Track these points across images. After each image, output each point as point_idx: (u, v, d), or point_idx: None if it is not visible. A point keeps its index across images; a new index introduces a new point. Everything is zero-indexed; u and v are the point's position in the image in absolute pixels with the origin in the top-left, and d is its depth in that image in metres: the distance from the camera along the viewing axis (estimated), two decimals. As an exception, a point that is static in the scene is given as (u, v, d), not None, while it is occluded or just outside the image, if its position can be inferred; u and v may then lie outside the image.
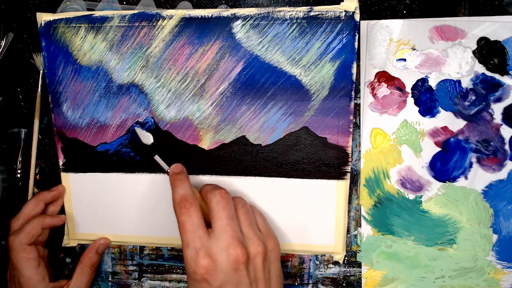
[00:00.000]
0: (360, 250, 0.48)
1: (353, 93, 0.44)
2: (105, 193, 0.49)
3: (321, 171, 0.46)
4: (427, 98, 0.46)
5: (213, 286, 0.36)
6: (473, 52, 0.44)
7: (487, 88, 0.45)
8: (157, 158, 0.45)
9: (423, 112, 0.46)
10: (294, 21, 0.43)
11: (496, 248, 0.46)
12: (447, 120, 0.45)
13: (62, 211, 0.51)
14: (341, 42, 0.43)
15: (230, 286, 0.36)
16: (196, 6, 0.48)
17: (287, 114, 0.45)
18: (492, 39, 0.44)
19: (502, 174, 0.45)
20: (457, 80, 0.45)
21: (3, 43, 0.50)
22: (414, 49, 0.45)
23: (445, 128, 0.46)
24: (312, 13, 0.43)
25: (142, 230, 0.50)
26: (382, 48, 0.46)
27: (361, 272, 0.48)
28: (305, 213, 0.47)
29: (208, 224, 0.38)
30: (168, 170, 0.43)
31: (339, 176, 0.46)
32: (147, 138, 0.47)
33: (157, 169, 0.48)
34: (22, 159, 0.51)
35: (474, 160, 0.45)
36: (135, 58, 0.46)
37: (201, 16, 0.44)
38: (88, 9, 0.48)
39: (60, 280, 0.47)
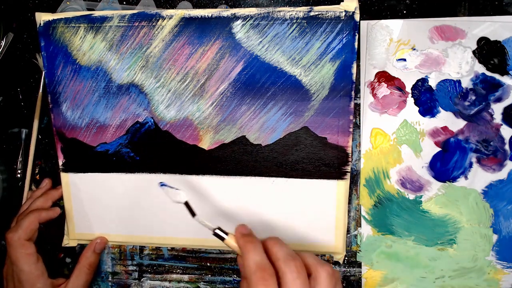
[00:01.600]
0: (360, 250, 0.48)
1: (353, 93, 0.44)
2: (105, 193, 0.49)
3: (321, 171, 0.46)
4: (427, 98, 0.46)
5: None
6: (473, 52, 0.44)
7: (487, 88, 0.45)
8: (198, 218, 0.40)
9: (423, 112, 0.46)
10: (294, 21, 0.43)
11: (496, 248, 0.46)
12: (447, 120, 0.45)
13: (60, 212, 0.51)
14: (341, 42, 0.43)
15: None
16: (196, 6, 0.48)
17: (287, 114, 0.45)
18: (492, 39, 0.44)
19: (502, 174, 0.45)
20: (457, 80, 0.45)
21: (3, 43, 0.50)
22: (414, 49, 0.45)
23: (445, 128, 0.46)
24: (312, 13, 0.43)
25: (142, 230, 0.50)
26: (382, 48, 0.46)
27: (361, 272, 0.48)
28: (305, 213, 0.47)
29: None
30: (217, 231, 0.39)
31: (339, 176, 0.46)
32: (177, 196, 0.41)
33: (157, 169, 0.48)
34: (23, 159, 0.51)
35: (474, 160, 0.45)
36: (135, 58, 0.46)
37: (201, 16, 0.44)
38: (88, 9, 0.48)
39: (58, 278, 0.48)
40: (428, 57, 0.45)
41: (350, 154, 0.45)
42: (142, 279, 0.52)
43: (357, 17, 0.42)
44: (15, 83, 0.51)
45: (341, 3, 0.42)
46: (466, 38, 0.44)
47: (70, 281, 0.47)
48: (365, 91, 0.47)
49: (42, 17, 0.46)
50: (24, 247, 0.44)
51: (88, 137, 0.48)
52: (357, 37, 0.43)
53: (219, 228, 0.39)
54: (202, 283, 0.51)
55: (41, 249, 0.51)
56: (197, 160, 0.47)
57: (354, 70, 0.43)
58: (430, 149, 0.46)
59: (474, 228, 0.46)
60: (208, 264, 0.51)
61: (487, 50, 0.44)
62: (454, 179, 0.46)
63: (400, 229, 0.47)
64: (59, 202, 0.51)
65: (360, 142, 0.47)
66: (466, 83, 0.45)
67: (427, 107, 0.46)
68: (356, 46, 0.43)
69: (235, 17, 0.44)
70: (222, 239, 0.38)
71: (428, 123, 0.46)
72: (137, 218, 0.49)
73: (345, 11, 0.42)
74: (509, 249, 0.46)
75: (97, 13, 0.45)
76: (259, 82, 0.45)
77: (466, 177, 0.46)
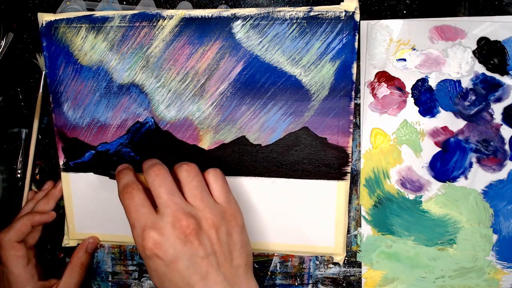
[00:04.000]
0: (360, 250, 0.48)
1: (353, 93, 0.44)
2: (105, 193, 0.49)
3: (321, 172, 0.46)
4: (427, 98, 0.46)
5: (165, 261, 0.35)
6: (473, 52, 0.45)
7: (487, 88, 0.45)
8: (110, 173, 0.44)
9: (423, 112, 0.46)
10: (294, 21, 0.43)
11: (496, 248, 0.46)
12: (447, 120, 0.45)
13: (58, 212, 0.51)
14: (341, 42, 0.43)
15: (183, 259, 0.35)
16: (196, 6, 0.48)
17: (287, 114, 0.45)
18: (492, 39, 0.44)
19: (502, 174, 0.45)
20: (457, 80, 0.45)
21: (3, 43, 0.50)
22: (414, 49, 0.45)
23: (445, 128, 0.46)
24: (312, 13, 0.43)
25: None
26: (382, 48, 0.46)
27: (361, 272, 0.48)
28: (305, 214, 0.47)
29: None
30: (113, 172, 0.42)
31: (339, 176, 0.46)
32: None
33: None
34: (23, 159, 0.51)
35: (474, 160, 0.45)
36: (136, 58, 0.46)
37: (201, 16, 0.44)
38: (88, 9, 0.48)
39: (50, 279, 0.47)
40: (428, 57, 0.45)
41: (350, 155, 0.45)
42: (142, 279, 0.52)
43: (357, 17, 0.42)
44: (15, 83, 0.51)
45: (341, 3, 0.42)
46: (466, 38, 0.44)
47: (61, 281, 0.47)
48: (365, 91, 0.47)
49: (44, 18, 0.46)
50: (14, 248, 0.44)
51: (89, 137, 0.48)
52: (357, 37, 0.43)
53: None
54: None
55: (41, 249, 0.51)
56: (197, 160, 0.47)
57: (354, 70, 0.43)
58: (430, 149, 0.46)
59: (474, 228, 0.46)
60: (208, 264, 0.51)
61: (487, 50, 0.44)
62: (454, 179, 0.46)
63: (400, 229, 0.47)
64: (59, 202, 0.51)
65: (360, 142, 0.47)
66: (466, 83, 0.45)
67: (427, 107, 0.46)
68: (356, 46, 0.43)
69: (235, 17, 0.44)
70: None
71: (428, 123, 0.46)
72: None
73: (345, 11, 0.42)
74: (509, 249, 0.46)
75: (98, 14, 0.45)
76: (259, 82, 0.45)
77: (466, 177, 0.46)
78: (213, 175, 0.39)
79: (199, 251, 0.35)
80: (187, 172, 0.38)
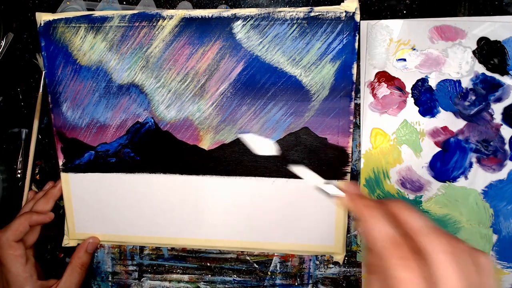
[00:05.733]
0: (360, 250, 0.48)
1: (353, 93, 0.44)
2: (105, 193, 0.49)
3: (321, 171, 0.46)
4: (427, 98, 0.46)
5: None
6: (473, 52, 0.44)
7: (487, 88, 0.45)
8: (303, 169, 0.36)
9: (423, 112, 0.46)
10: (295, 21, 0.43)
11: (496, 248, 0.46)
12: (447, 120, 0.45)
13: (58, 212, 0.51)
14: (341, 42, 0.43)
15: None
16: (196, 6, 0.48)
17: (288, 114, 0.45)
18: (492, 39, 0.44)
19: (502, 174, 0.45)
20: (457, 80, 0.45)
21: (3, 43, 0.50)
22: (414, 49, 0.45)
23: (445, 128, 0.46)
24: (312, 14, 0.43)
25: (142, 230, 0.50)
26: (382, 48, 0.46)
27: (361, 272, 0.48)
28: (305, 214, 0.47)
29: None
30: (329, 191, 0.33)
31: (339, 176, 0.46)
32: (263, 146, 0.38)
33: (157, 170, 0.48)
34: (23, 159, 0.51)
35: (474, 160, 0.45)
36: (135, 58, 0.46)
37: (202, 16, 0.44)
38: (88, 9, 0.48)
39: (50, 279, 0.47)
40: (428, 57, 0.45)
41: (350, 155, 0.45)
42: (142, 279, 0.52)
43: (357, 17, 0.42)
44: (15, 83, 0.51)
45: (342, 3, 0.42)
46: (466, 38, 0.44)
47: (61, 281, 0.47)
48: (365, 91, 0.47)
49: (43, 17, 0.46)
50: (12, 248, 0.44)
51: (88, 137, 0.48)
52: (357, 37, 0.43)
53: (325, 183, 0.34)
54: (202, 283, 0.51)
55: (41, 249, 0.51)
56: (197, 160, 0.47)
57: (354, 71, 0.43)
58: (430, 149, 0.46)
59: (474, 228, 0.46)
60: (208, 264, 0.51)
61: (487, 50, 0.44)
62: (454, 179, 0.46)
63: (400, 229, 0.47)
64: (59, 202, 0.51)
65: (360, 142, 0.47)
66: (466, 83, 0.45)
67: (427, 107, 0.46)
68: (356, 46, 0.43)
69: (235, 18, 0.44)
70: (329, 195, 0.33)
71: (428, 123, 0.46)
72: (137, 218, 0.49)
73: (345, 11, 0.42)
74: (509, 249, 0.46)
75: (97, 13, 0.45)
76: (260, 82, 0.45)
77: (466, 177, 0.46)
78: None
79: None
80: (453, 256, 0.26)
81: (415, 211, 0.28)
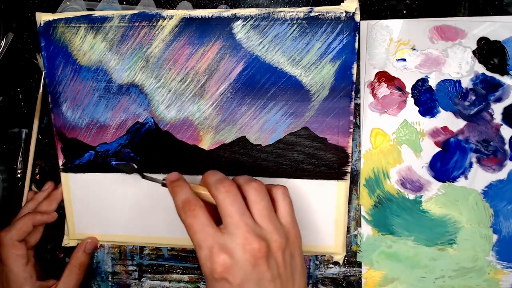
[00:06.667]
0: (360, 250, 0.48)
1: (353, 93, 0.44)
2: (105, 193, 0.49)
3: (321, 172, 0.46)
4: (427, 98, 0.46)
5: (233, 285, 0.33)
6: (473, 52, 0.45)
7: (487, 88, 0.45)
8: (147, 175, 0.44)
9: (423, 112, 0.46)
10: (295, 21, 0.43)
11: (496, 248, 0.46)
12: (447, 120, 0.45)
13: (58, 212, 0.51)
14: (341, 42, 0.43)
15: (251, 283, 0.33)
16: (196, 6, 0.48)
17: (288, 114, 0.45)
18: (492, 39, 0.44)
19: (502, 174, 0.45)
20: (457, 80, 0.45)
21: (3, 43, 0.50)
22: (414, 49, 0.45)
23: (445, 128, 0.46)
24: (312, 14, 0.43)
25: (142, 230, 0.50)
26: (382, 48, 0.46)
27: (361, 272, 0.48)
28: (305, 213, 0.47)
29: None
30: (164, 181, 0.40)
31: (339, 176, 0.46)
32: (129, 169, 0.46)
33: (157, 170, 0.48)
34: (23, 159, 0.51)
35: (474, 160, 0.45)
36: (135, 58, 0.46)
37: (201, 17, 0.44)
38: (88, 9, 0.48)
39: (49, 280, 0.48)
40: (428, 57, 0.45)
41: (350, 155, 0.45)
42: (142, 279, 0.52)
43: (357, 17, 0.42)
44: (15, 83, 0.51)
45: (342, 3, 0.42)
46: (466, 38, 0.44)
47: (60, 282, 0.47)
48: (365, 91, 0.47)
49: (43, 17, 0.46)
50: (15, 247, 0.45)
51: (88, 137, 0.48)
52: (357, 37, 0.43)
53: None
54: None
55: (41, 249, 0.51)
56: (197, 160, 0.47)
57: (354, 71, 0.43)
58: (430, 149, 0.46)
59: (474, 228, 0.46)
60: (208, 264, 0.51)
61: (487, 50, 0.44)
62: (454, 179, 0.46)
63: (400, 229, 0.47)
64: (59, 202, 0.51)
65: (360, 142, 0.47)
66: (466, 83, 0.45)
67: (427, 107, 0.46)
68: (356, 46, 0.43)
69: (235, 18, 0.44)
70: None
71: (428, 123, 0.46)
72: (137, 218, 0.49)
73: (345, 11, 0.42)
74: (509, 249, 0.46)
75: (97, 13, 0.45)
76: (260, 82, 0.45)
77: (466, 177, 0.46)
78: (282, 194, 0.38)
79: (267, 275, 0.34)
80: (257, 191, 0.36)
81: (211, 174, 0.38)
